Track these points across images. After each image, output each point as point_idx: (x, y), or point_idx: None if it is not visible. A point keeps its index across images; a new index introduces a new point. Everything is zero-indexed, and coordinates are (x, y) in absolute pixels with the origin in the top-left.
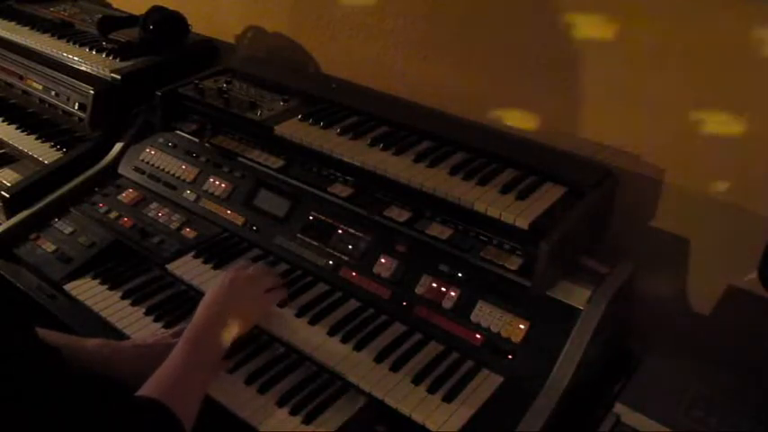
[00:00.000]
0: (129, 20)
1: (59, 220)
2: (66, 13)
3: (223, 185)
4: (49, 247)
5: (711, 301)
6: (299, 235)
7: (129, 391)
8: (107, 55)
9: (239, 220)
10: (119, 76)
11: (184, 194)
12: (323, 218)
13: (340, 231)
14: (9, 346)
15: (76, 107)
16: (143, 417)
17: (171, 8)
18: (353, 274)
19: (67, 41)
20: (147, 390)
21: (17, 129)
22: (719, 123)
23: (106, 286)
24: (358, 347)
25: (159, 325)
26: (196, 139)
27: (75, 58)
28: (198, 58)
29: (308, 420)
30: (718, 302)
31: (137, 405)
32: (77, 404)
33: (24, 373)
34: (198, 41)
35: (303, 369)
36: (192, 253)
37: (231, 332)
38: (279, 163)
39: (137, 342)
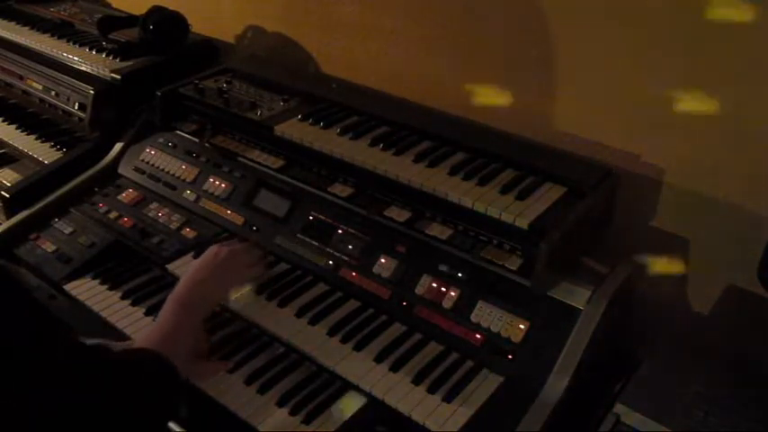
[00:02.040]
0: (129, 20)
1: (59, 220)
2: (66, 13)
3: (223, 185)
4: (49, 247)
5: (711, 301)
6: (299, 235)
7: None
8: (107, 55)
9: (239, 220)
10: (119, 76)
11: (184, 194)
12: (323, 218)
13: (340, 231)
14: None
15: (76, 107)
16: (138, 362)
17: (171, 8)
18: (353, 274)
19: (67, 41)
20: (137, 345)
21: (17, 129)
22: (720, 121)
23: (106, 286)
24: (358, 347)
25: None
26: (196, 139)
27: (75, 58)
28: (198, 58)
29: (308, 420)
30: (718, 302)
31: (130, 354)
32: (69, 361)
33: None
34: (198, 41)
35: (303, 369)
36: (192, 253)
37: (212, 296)
38: (279, 163)
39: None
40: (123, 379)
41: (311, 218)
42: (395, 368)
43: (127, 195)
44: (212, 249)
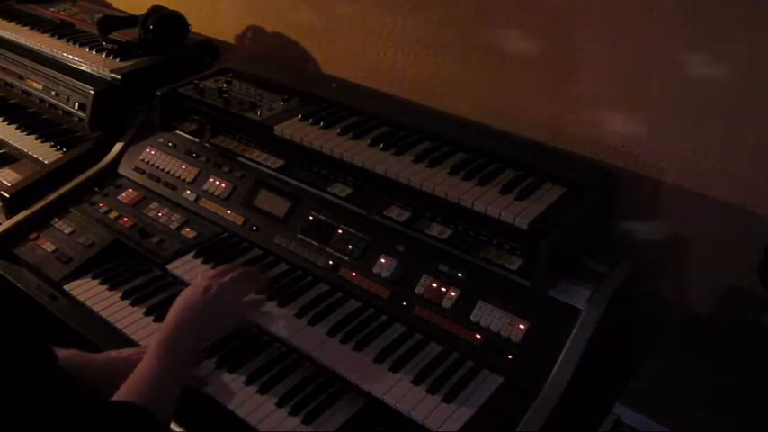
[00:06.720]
0: (129, 20)
1: (59, 220)
2: (66, 13)
3: (223, 185)
4: (49, 247)
5: (711, 301)
6: (299, 235)
7: (105, 398)
8: (107, 55)
9: (239, 220)
10: (119, 76)
11: (184, 194)
12: (323, 218)
13: (340, 231)
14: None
15: (76, 107)
16: (122, 420)
17: (171, 8)
18: (353, 274)
19: (67, 41)
20: (121, 395)
21: (17, 129)
22: (720, 121)
23: (106, 286)
24: (358, 347)
25: (159, 325)
26: (196, 139)
27: (75, 58)
28: (198, 58)
29: (308, 420)
30: (718, 302)
31: (114, 409)
32: (55, 409)
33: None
34: (198, 41)
35: (303, 369)
36: (192, 253)
37: (202, 336)
38: (279, 163)
39: (111, 355)
40: None
41: (311, 218)
42: (395, 368)
43: (127, 195)
44: (201, 282)
